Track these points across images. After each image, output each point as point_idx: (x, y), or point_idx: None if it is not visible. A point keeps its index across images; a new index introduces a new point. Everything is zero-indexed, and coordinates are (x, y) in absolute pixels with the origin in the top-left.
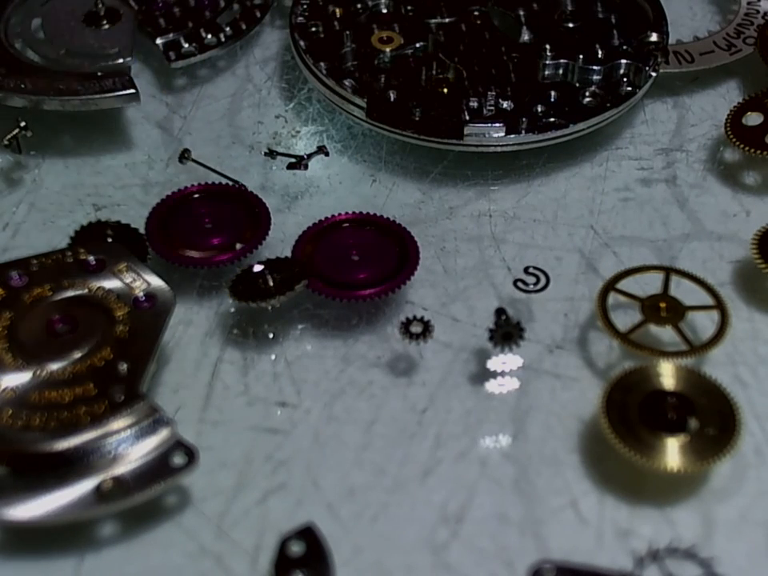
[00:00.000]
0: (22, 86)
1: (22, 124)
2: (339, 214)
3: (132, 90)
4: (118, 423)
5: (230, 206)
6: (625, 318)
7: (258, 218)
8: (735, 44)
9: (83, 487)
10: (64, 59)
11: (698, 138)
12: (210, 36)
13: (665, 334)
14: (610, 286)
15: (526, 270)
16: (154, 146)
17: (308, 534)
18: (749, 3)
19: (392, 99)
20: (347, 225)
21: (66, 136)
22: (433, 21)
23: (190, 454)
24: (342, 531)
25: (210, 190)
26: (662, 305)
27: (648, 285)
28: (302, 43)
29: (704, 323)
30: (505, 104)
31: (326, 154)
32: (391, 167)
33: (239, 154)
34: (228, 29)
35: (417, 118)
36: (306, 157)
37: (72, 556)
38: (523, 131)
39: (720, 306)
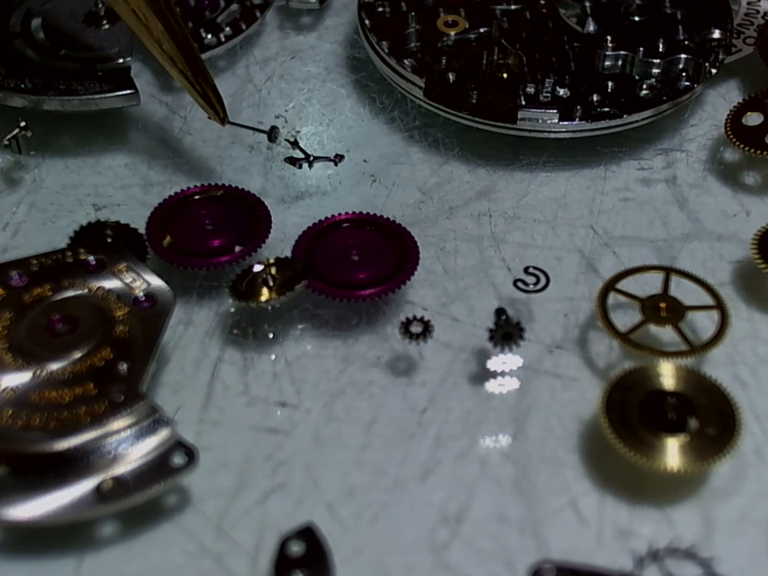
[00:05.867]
0: (22, 85)
1: (22, 124)
2: (339, 214)
3: (132, 90)
4: (118, 423)
5: (231, 207)
6: (625, 318)
7: (258, 220)
8: (735, 44)
9: (83, 487)
10: (64, 59)
11: (698, 138)
12: (210, 36)
13: (665, 334)
14: (610, 285)
15: (526, 270)
16: (154, 146)
17: (308, 534)
18: (749, 3)
19: (451, 81)
20: (347, 225)
21: (66, 136)
22: (499, 7)
23: (190, 454)
24: (341, 531)
25: (210, 191)
26: (662, 305)
27: (648, 285)
28: (367, 21)
29: (704, 323)
30: (561, 91)
31: (335, 164)
32: (392, 168)
33: (239, 154)
34: (228, 29)
35: (473, 101)
36: (312, 158)
37: (72, 556)
38: (576, 119)
39: (720, 305)
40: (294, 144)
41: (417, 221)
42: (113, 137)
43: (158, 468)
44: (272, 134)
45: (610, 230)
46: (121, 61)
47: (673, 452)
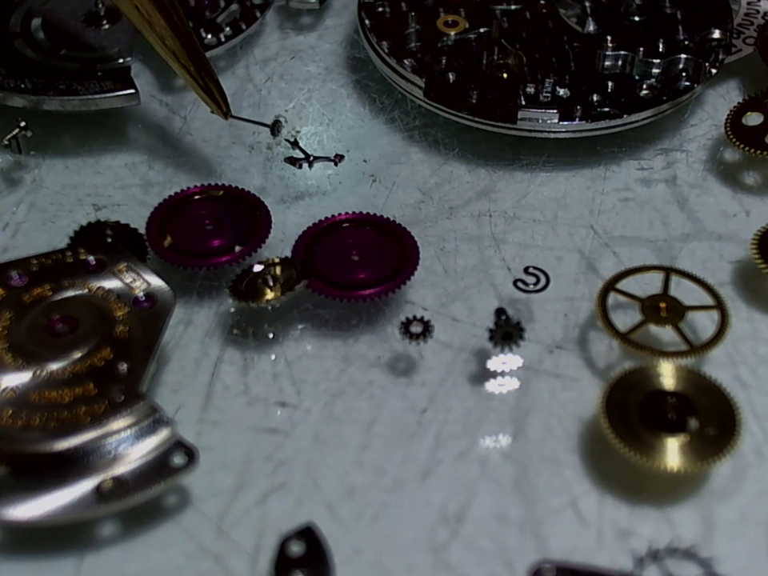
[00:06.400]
0: (22, 85)
1: (22, 124)
2: (339, 214)
3: (132, 90)
4: (118, 423)
5: (231, 207)
6: (625, 318)
7: (258, 220)
8: (735, 44)
9: (83, 487)
10: (64, 59)
11: (698, 138)
12: (210, 36)
13: (665, 334)
14: (610, 286)
15: (526, 270)
16: (154, 146)
17: (308, 534)
18: (749, 3)
19: (451, 81)
20: (347, 225)
21: (66, 136)
22: (499, 7)
23: (190, 454)
24: (341, 531)
25: (210, 191)
26: (662, 305)
27: (648, 285)
28: (367, 21)
29: (704, 323)
30: (561, 91)
31: (335, 164)
32: (392, 168)
33: (239, 154)
34: (228, 29)
35: (473, 101)
36: (312, 158)
37: (72, 556)
38: (576, 119)
39: (720, 305)
40: (294, 144)
41: (417, 221)
42: (113, 137)
43: (158, 468)
44: (275, 127)
45: (610, 230)
46: (121, 61)
47: (673, 452)
